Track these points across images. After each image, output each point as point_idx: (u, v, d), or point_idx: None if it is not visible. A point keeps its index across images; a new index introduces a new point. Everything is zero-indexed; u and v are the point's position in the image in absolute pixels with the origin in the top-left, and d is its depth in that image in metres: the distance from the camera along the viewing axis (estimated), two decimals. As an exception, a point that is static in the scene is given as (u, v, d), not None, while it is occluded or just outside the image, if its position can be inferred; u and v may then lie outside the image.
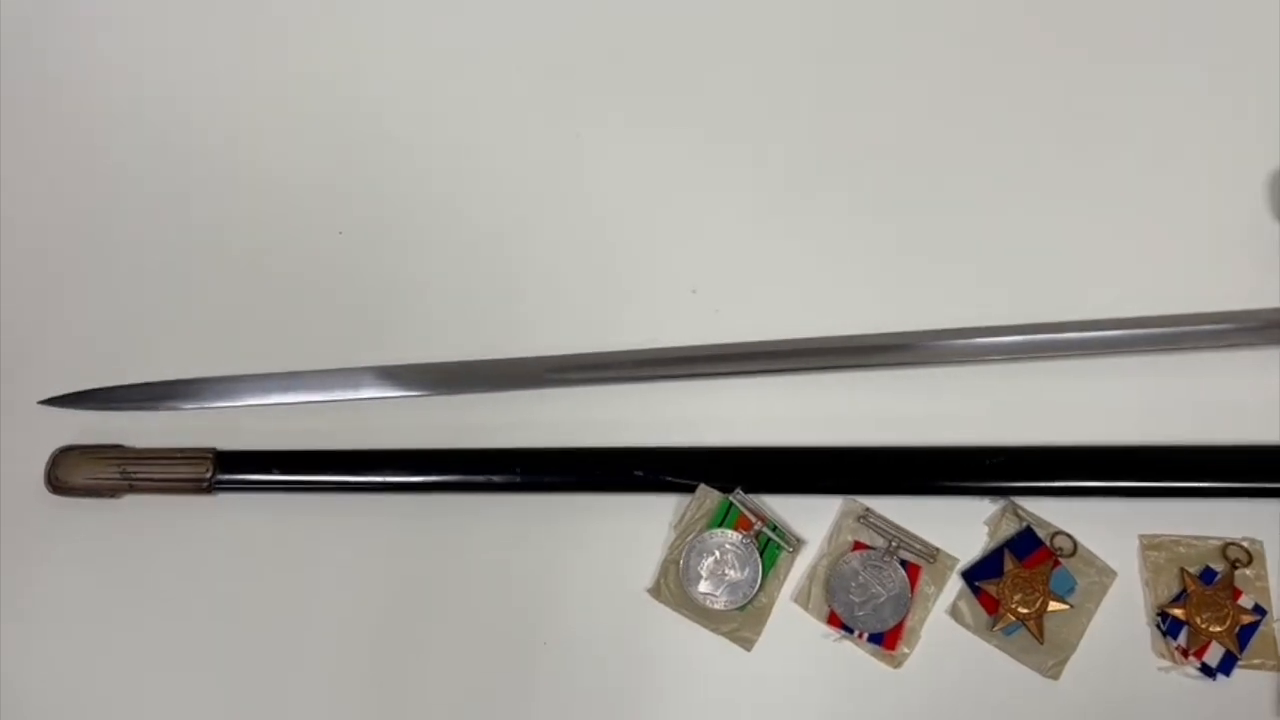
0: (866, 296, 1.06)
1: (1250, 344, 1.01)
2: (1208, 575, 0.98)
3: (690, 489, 1.00)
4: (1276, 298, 1.02)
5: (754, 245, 1.09)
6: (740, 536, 0.98)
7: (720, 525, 0.99)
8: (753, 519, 0.99)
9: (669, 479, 0.99)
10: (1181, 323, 1.00)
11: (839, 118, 1.11)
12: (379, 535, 1.02)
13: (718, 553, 0.98)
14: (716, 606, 0.98)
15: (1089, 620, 0.97)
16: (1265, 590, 0.98)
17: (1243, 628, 0.96)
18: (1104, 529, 1.00)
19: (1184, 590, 0.98)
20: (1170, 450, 1.01)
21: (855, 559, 0.99)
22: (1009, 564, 0.98)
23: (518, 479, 1.00)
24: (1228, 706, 0.95)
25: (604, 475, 1.00)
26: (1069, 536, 0.99)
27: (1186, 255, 1.06)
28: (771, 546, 0.99)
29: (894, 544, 0.99)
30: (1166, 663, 0.96)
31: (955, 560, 1.00)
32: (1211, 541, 1.00)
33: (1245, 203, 1.06)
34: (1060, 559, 0.99)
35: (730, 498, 0.99)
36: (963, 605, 0.98)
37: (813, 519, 1.01)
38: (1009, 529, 1.00)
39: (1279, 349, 1.01)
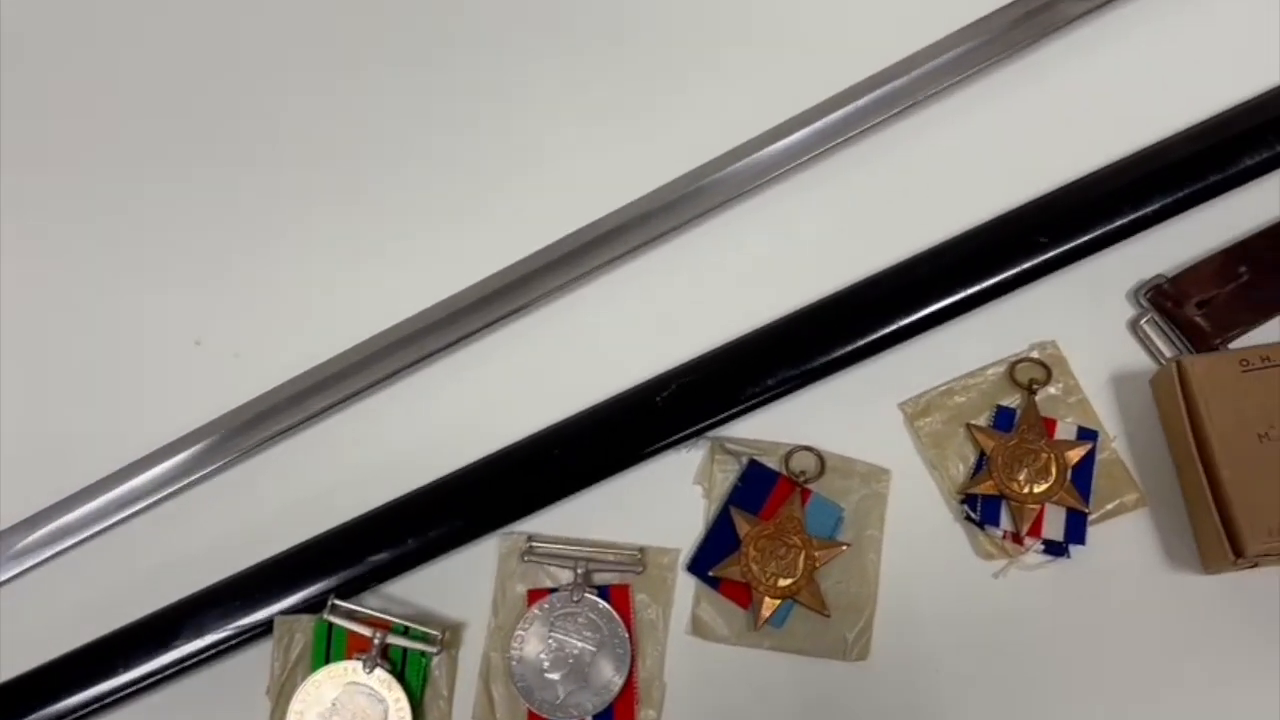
0: (394, 279, 0.74)
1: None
2: (1003, 418, 0.68)
3: (262, 632, 0.65)
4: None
5: (247, 275, 0.74)
6: (359, 664, 0.64)
7: (325, 661, 0.65)
8: (369, 631, 0.65)
9: (223, 637, 0.65)
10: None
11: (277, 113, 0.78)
12: None
13: (333, 704, 0.64)
14: (368, 779, 0.64)
15: (878, 554, 0.67)
16: (1084, 404, 0.69)
17: (1075, 469, 0.67)
18: (848, 419, 0.70)
19: (981, 454, 0.68)
20: (883, 281, 0.70)
21: (536, 617, 0.66)
22: (743, 525, 0.67)
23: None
24: (1102, 580, 0.66)
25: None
26: (809, 450, 0.68)
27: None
28: (413, 657, 0.65)
29: (580, 570, 0.66)
30: (998, 561, 0.66)
31: (673, 553, 0.68)
32: (990, 372, 0.70)
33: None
34: (808, 486, 0.68)
35: (325, 617, 0.65)
36: (705, 612, 0.67)
37: (467, 579, 0.68)
38: (726, 476, 0.69)
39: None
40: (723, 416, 0.68)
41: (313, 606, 0.66)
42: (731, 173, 0.72)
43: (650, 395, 0.68)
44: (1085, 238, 0.69)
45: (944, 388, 0.69)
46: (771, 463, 0.68)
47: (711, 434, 0.69)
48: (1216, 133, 0.71)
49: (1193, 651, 0.64)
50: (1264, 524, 0.60)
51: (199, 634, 0.65)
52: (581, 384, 0.69)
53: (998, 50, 0.71)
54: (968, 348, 0.70)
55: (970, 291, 0.69)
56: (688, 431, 0.68)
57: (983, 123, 0.73)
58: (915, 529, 0.67)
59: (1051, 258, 0.69)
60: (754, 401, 0.68)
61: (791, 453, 0.69)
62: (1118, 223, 0.69)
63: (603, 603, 0.66)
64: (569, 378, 0.70)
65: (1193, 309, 0.68)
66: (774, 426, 0.70)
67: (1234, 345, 0.68)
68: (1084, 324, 0.71)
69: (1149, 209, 0.70)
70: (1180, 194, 0.70)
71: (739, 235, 0.73)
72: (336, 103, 0.78)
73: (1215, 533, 0.62)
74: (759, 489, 0.68)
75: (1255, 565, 0.62)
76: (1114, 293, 0.71)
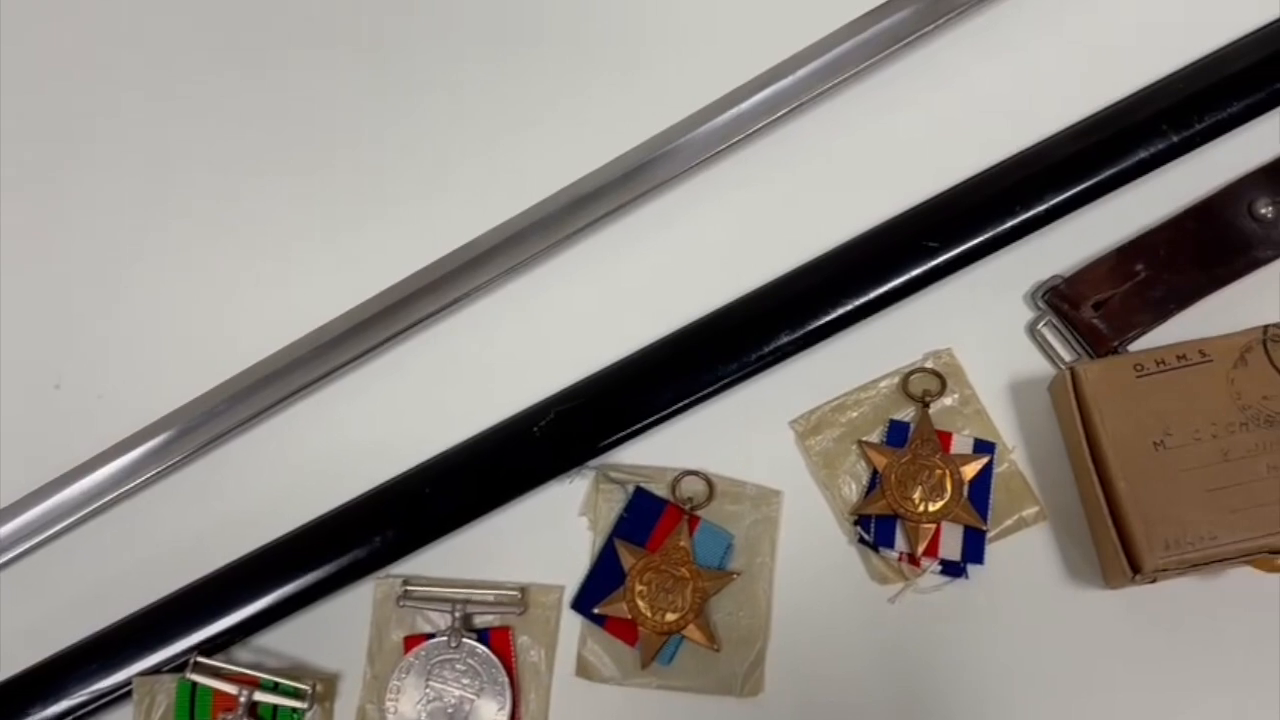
0: (250, 315, 0.70)
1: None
2: (896, 433, 0.65)
3: (122, 695, 0.62)
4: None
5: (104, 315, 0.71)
6: (226, 725, 0.61)
7: (190, 723, 0.61)
8: (234, 689, 0.61)
9: (80, 702, 0.61)
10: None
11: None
12: None
13: (197, 771, 0.61)
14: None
15: (770, 582, 0.64)
16: (981, 414, 0.66)
17: (972, 484, 0.64)
18: (739, 440, 0.67)
19: (874, 473, 0.65)
20: (768, 295, 0.67)
21: (412, 665, 0.63)
22: (628, 558, 0.64)
23: None
24: (1002, 600, 0.63)
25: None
26: (697, 474, 0.65)
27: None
28: (283, 714, 0.62)
29: (458, 614, 0.63)
30: (894, 584, 0.63)
31: (557, 591, 0.64)
32: (883, 384, 0.67)
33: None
34: (696, 513, 0.65)
35: (187, 676, 0.61)
36: (591, 652, 0.64)
37: (343, 627, 0.65)
38: (612, 506, 0.65)
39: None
40: (606, 444, 0.65)
41: (178, 665, 0.62)
42: (608, 188, 0.68)
43: (527, 425, 0.65)
44: (977, 240, 0.66)
45: (835, 403, 0.66)
46: (659, 490, 0.65)
47: (596, 462, 0.66)
48: (1108, 126, 0.68)
49: (1097, 671, 0.61)
50: (1161, 537, 0.58)
51: (54, 700, 0.61)
52: (458, 415, 0.66)
53: (878, 50, 0.68)
54: (861, 360, 0.67)
55: (859, 302, 0.66)
56: (569, 462, 0.65)
57: (867, 127, 0.70)
58: (809, 554, 0.64)
59: (943, 263, 0.66)
60: (638, 426, 0.65)
61: (679, 478, 0.65)
62: (1010, 223, 0.67)
63: (481, 647, 0.63)
64: (444, 409, 0.67)
65: (1089, 311, 0.66)
66: (662, 451, 0.67)
67: (1135, 347, 0.65)
68: (982, 330, 0.68)
69: (1042, 207, 0.67)
70: (1074, 190, 0.67)
71: (619, 254, 0.69)
72: (196, 128, 0.74)
73: (1113, 547, 0.59)
74: (645, 518, 0.65)
75: (1154, 580, 0.59)
76: (1012, 296, 0.68)
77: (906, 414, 0.66)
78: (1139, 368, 0.61)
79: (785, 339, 0.65)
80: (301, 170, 0.72)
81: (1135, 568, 0.58)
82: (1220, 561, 0.58)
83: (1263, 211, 0.67)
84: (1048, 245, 0.68)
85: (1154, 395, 0.60)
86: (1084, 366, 0.62)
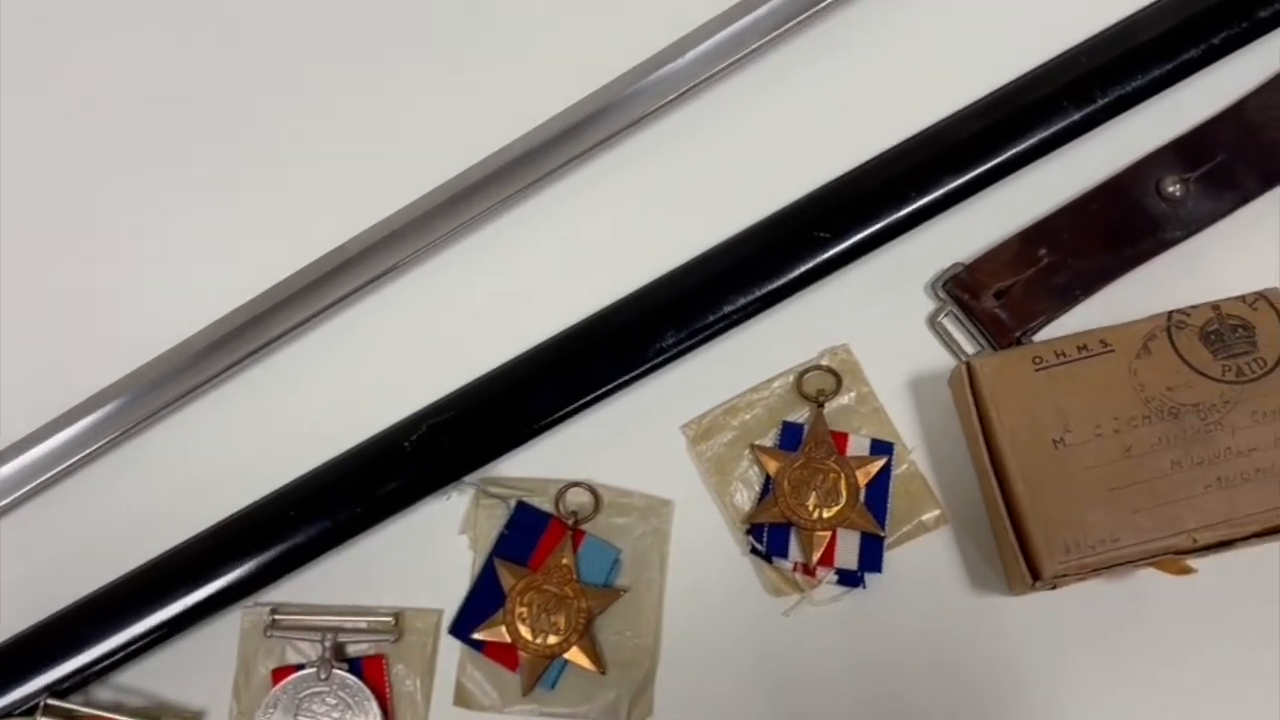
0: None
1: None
2: (790, 436, 0.62)
3: (-35, 742, 0.58)
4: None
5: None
6: (78, 772, 0.57)
7: (40, 771, 0.57)
8: (87, 733, 0.57)
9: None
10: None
11: None
12: None
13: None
14: None
15: (659, 598, 0.60)
16: (879, 413, 0.62)
17: (869, 487, 0.60)
18: (628, 447, 0.63)
19: (767, 478, 0.61)
20: (653, 292, 0.64)
21: (279, 699, 0.59)
22: (508, 578, 0.60)
23: None
24: (902, 610, 0.60)
25: None
26: (583, 485, 0.62)
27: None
28: (140, 759, 0.58)
29: (328, 643, 0.59)
30: (789, 597, 0.60)
31: (434, 615, 0.61)
32: (776, 384, 0.63)
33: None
34: (581, 527, 0.61)
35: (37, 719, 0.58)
36: (470, 679, 0.60)
37: (210, 660, 0.61)
38: (493, 523, 0.62)
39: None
40: (484, 457, 0.61)
41: (28, 709, 0.58)
42: (479, 187, 0.64)
43: (398, 440, 0.61)
44: (872, 229, 0.63)
45: (726, 406, 0.63)
46: (543, 503, 0.62)
47: (475, 476, 0.62)
48: (1007, 104, 0.64)
49: (1003, 683, 0.58)
50: (1061, 541, 0.54)
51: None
52: (323, 433, 0.62)
53: (763, 33, 0.64)
54: (755, 359, 0.64)
55: (749, 298, 0.62)
56: (444, 477, 0.61)
57: (753, 114, 0.66)
58: (701, 567, 0.61)
59: (836, 254, 0.63)
60: (518, 437, 0.62)
61: (564, 490, 0.62)
62: (906, 209, 0.63)
63: (352, 678, 0.59)
64: (307, 427, 0.63)
65: (990, 300, 0.62)
66: (547, 462, 0.63)
67: (1040, 336, 0.62)
68: (881, 324, 0.64)
69: (939, 192, 0.63)
70: (973, 173, 0.63)
71: (492, 257, 0.65)
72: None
73: (1012, 552, 0.56)
74: (528, 535, 0.61)
75: (1055, 587, 0.56)
76: (912, 287, 0.65)
77: (801, 415, 0.62)
78: (1037, 360, 0.57)
79: (672, 339, 0.62)
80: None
81: (1035, 574, 0.55)
82: (1123, 565, 0.54)
83: (1171, 190, 0.63)
84: (950, 232, 0.65)
85: (1053, 389, 0.57)
86: (979, 360, 0.58)
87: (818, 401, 0.62)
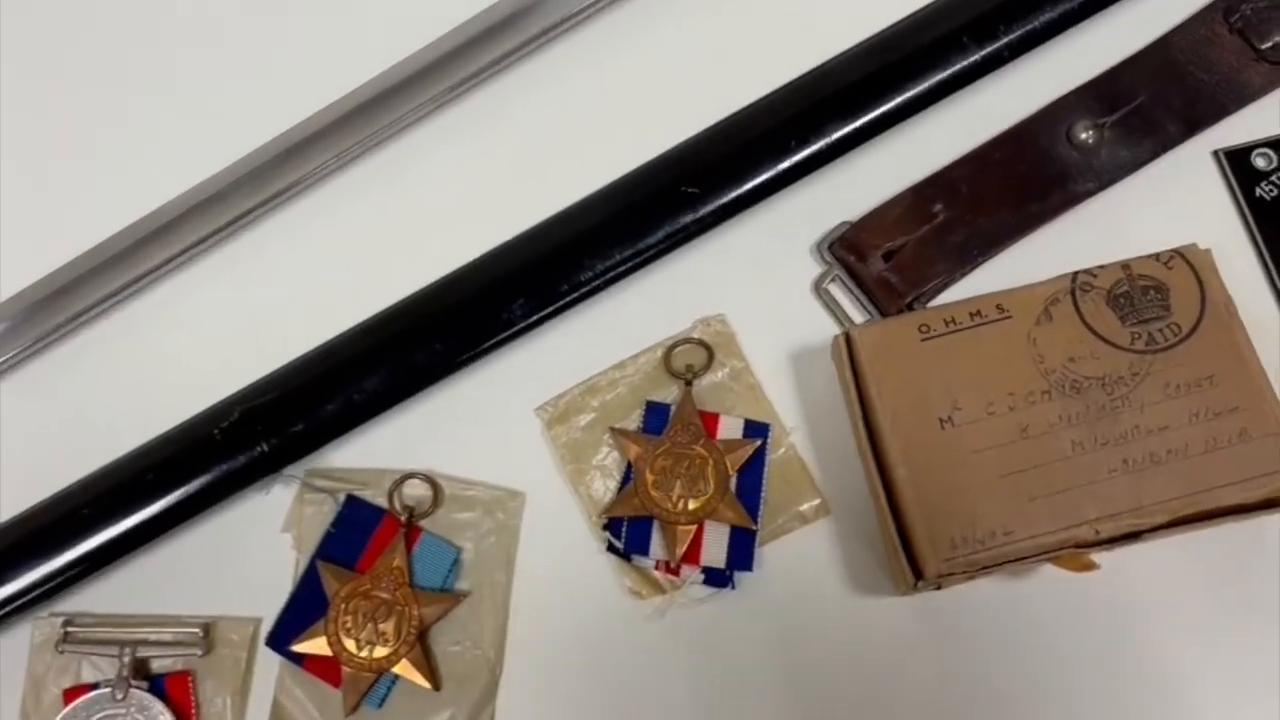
0: None
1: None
2: (655, 417, 0.55)
3: None
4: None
5: None
6: None
7: None
8: None
9: None
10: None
11: None
12: None
13: None
14: None
15: (504, 603, 0.53)
16: (755, 390, 0.56)
17: (741, 474, 0.53)
18: (477, 432, 0.56)
19: (629, 466, 0.54)
20: (502, 258, 0.56)
21: (71, 723, 0.52)
22: (332, 582, 0.53)
23: None
24: (776, 613, 0.53)
25: None
26: (422, 476, 0.55)
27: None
28: (-92, 790, 0.51)
29: (126, 658, 0.52)
30: (654, 599, 0.53)
31: (249, 625, 0.54)
32: (643, 360, 0.56)
33: None
34: (418, 523, 0.54)
35: None
36: (289, 697, 0.53)
37: None
38: (319, 519, 0.55)
39: None
40: (308, 445, 0.54)
41: None
42: (302, 147, 0.57)
43: (207, 428, 0.54)
44: (748, 184, 0.56)
45: (586, 385, 0.56)
46: (376, 497, 0.55)
47: (299, 468, 0.55)
48: (901, 42, 0.57)
49: (887, 695, 0.51)
50: (946, 534, 0.47)
51: None
52: (123, 424, 0.55)
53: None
54: (620, 332, 0.57)
55: (610, 262, 0.55)
56: (261, 469, 0.54)
57: (613, 60, 0.60)
58: (553, 567, 0.54)
59: (708, 213, 0.56)
60: (346, 422, 0.54)
61: (400, 482, 0.55)
62: (787, 162, 0.56)
63: (152, 698, 0.52)
64: (105, 417, 0.56)
65: (878, 262, 0.55)
66: (383, 450, 0.56)
67: (937, 303, 0.55)
68: (762, 291, 0.58)
69: (824, 142, 0.56)
70: (862, 120, 0.56)
71: (317, 223, 0.59)
72: None
73: (894, 548, 0.49)
74: (357, 533, 0.54)
75: (940, 587, 0.49)
76: (798, 249, 0.58)
77: (669, 394, 0.55)
78: (924, 329, 0.51)
79: (521, 310, 0.55)
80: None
81: (917, 572, 0.48)
82: (1018, 561, 0.47)
83: (1083, 137, 0.56)
84: (840, 188, 0.58)
85: (941, 362, 0.50)
86: (859, 330, 0.51)
87: (686, 378, 0.55)
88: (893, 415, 0.49)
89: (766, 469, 0.54)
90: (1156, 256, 0.51)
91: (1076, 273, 0.51)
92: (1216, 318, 0.49)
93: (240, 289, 0.58)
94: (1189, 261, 0.51)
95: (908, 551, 0.48)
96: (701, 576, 0.53)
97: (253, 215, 0.57)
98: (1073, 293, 0.51)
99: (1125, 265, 0.51)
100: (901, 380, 0.50)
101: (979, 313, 0.51)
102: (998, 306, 0.51)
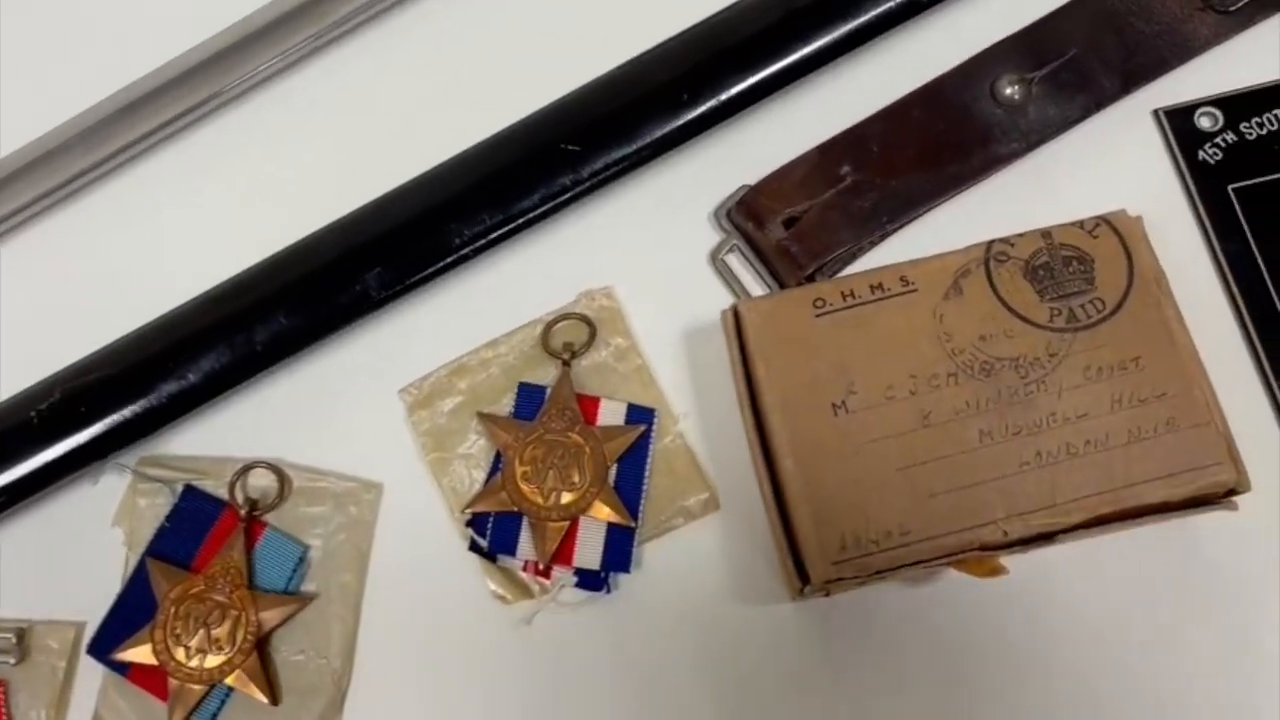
0: None
1: None
2: (526, 402, 0.49)
3: None
4: None
5: None
6: None
7: None
8: None
9: None
10: None
11: None
12: None
13: None
14: None
15: (355, 608, 0.48)
16: (642, 372, 0.50)
17: (621, 464, 0.48)
18: (333, 416, 0.51)
19: (497, 455, 0.49)
20: (362, 221, 0.51)
21: None
22: (162, 583, 0.47)
23: None
24: (657, 619, 0.48)
25: None
26: (267, 465, 0.49)
27: None
28: None
29: (-71, 669, 0.47)
30: (520, 604, 0.48)
31: (70, 631, 0.48)
32: (518, 338, 0.51)
33: None
34: (261, 518, 0.49)
35: None
36: (113, 711, 0.47)
37: None
38: (154, 512, 0.49)
39: None
40: (139, 429, 0.48)
41: None
42: (154, 97, 0.51)
43: (23, 410, 0.48)
44: (638, 143, 0.50)
45: (455, 365, 0.50)
46: (217, 488, 0.49)
47: (134, 454, 0.49)
48: (809, -15, 0.52)
49: (775, 708, 0.46)
50: (836, 534, 0.42)
51: None
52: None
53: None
54: (496, 307, 0.51)
55: (480, 228, 0.50)
56: (87, 455, 0.48)
57: (489, 6, 0.54)
58: (410, 567, 0.48)
59: (590, 173, 0.50)
60: (182, 405, 0.49)
61: (243, 472, 0.49)
62: (680, 119, 0.50)
63: (-43, 715, 0.46)
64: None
65: (777, 230, 0.50)
66: (227, 436, 0.50)
67: (844, 276, 0.49)
68: (655, 262, 0.52)
69: (722, 97, 0.51)
70: (764, 73, 0.51)
71: (168, 181, 0.53)
72: None
73: (780, 549, 0.43)
74: (195, 528, 0.49)
75: (829, 594, 0.44)
76: (695, 216, 0.52)
77: (546, 376, 0.50)
78: (819, 303, 0.45)
79: (378, 282, 0.49)
80: None
81: (804, 576, 0.42)
82: (916, 565, 0.42)
83: (1008, 92, 0.51)
84: (743, 148, 0.52)
85: (837, 340, 0.44)
86: (748, 304, 0.46)
87: (564, 359, 0.49)
88: (781, 399, 0.44)
89: (650, 459, 0.48)
90: (1080, 224, 0.46)
91: (991, 242, 0.46)
92: (1145, 293, 0.44)
93: (61, 261, 0.52)
94: (1116, 230, 0.45)
95: (794, 553, 0.43)
96: (574, 579, 0.47)
97: (83, 179, 0.51)
98: (987, 264, 0.45)
99: (1046, 233, 0.45)
100: (792, 360, 0.44)
101: (880, 285, 0.45)
102: (902, 279, 0.45)
